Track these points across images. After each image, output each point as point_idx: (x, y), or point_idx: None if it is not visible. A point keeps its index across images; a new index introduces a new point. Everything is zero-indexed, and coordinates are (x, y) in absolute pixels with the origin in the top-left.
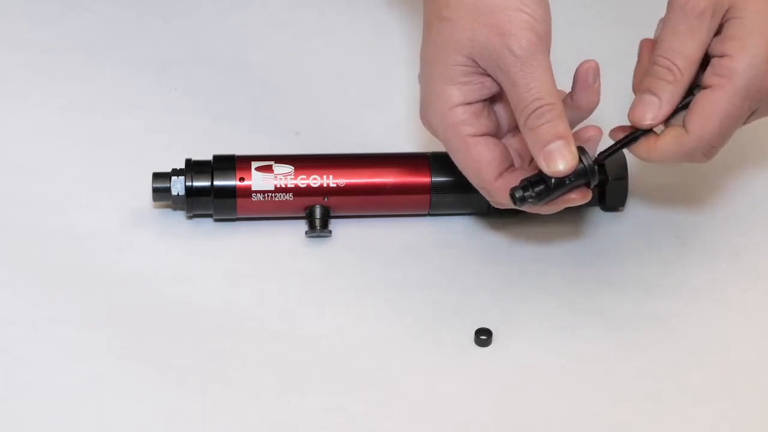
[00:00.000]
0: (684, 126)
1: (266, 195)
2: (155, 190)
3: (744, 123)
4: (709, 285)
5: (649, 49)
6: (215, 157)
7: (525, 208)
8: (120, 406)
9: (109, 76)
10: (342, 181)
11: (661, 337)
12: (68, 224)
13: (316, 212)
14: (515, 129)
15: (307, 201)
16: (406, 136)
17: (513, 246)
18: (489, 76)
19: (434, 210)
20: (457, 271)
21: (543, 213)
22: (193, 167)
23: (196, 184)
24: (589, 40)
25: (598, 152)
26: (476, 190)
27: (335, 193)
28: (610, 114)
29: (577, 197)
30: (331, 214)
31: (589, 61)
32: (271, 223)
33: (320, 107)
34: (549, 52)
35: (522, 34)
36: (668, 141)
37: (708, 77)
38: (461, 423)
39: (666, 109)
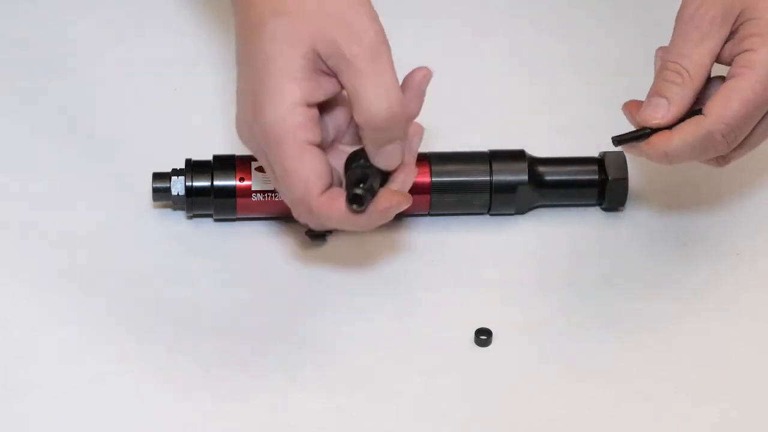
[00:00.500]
0: (704, 113)
1: (266, 195)
2: (155, 190)
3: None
4: (709, 285)
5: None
6: (215, 157)
7: (337, 215)
8: (120, 406)
9: (109, 76)
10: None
11: (661, 337)
12: (68, 224)
13: None
14: (332, 144)
15: None
16: None
17: (513, 246)
18: (329, 75)
19: (434, 210)
20: (457, 271)
21: (361, 228)
22: (193, 167)
23: (196, 184)
24: (589, 40)
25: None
26: (476, 190)
27: None
28: (610, 114)
29: (400, 201)
30: None
31: (423, 68)
32: (271, 223)
33: None
34: (390, 48)
35: (369, 26)
36: (684, 128)
37: (731, 71)
38: (461, 423)
39: (675, 110)
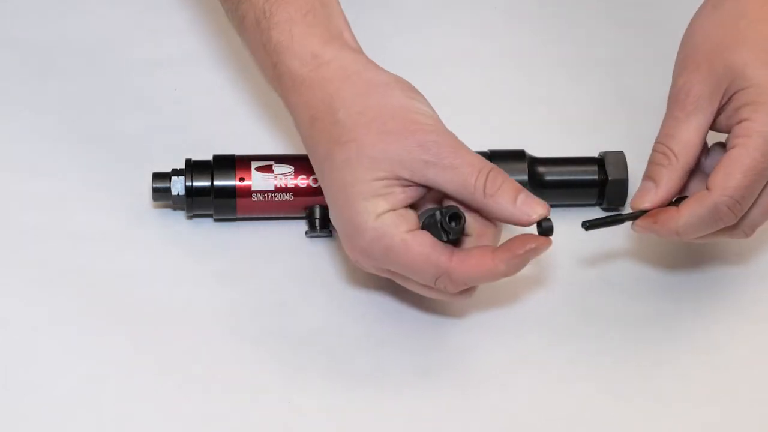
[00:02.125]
0: (707, 188)
1: (266, 195)
2: (155, 190)
3: None
4: (709, 285)
5: None
6: (215, 157)
7: (477, 269)
8: (120, 406)
9: (109, 76)
10: None
11: (661, 337)
12: (68, 224)
13: (316, 212)
14: None
15: (307, 201)
16: None
17: None
18: (411, 185)
19: None
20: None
21: (504, 274)
22: (193, 167)
23: (196, 184)
24: (589, 40)
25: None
26: None
27: None
28: (610, 114)
29: (537, 245)
30: None
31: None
32: (271, 223)
33: None
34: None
35: (433, 127)
36: (690, 204)
37: (729, 142)
38: (461, 423)
39: (662, 192)
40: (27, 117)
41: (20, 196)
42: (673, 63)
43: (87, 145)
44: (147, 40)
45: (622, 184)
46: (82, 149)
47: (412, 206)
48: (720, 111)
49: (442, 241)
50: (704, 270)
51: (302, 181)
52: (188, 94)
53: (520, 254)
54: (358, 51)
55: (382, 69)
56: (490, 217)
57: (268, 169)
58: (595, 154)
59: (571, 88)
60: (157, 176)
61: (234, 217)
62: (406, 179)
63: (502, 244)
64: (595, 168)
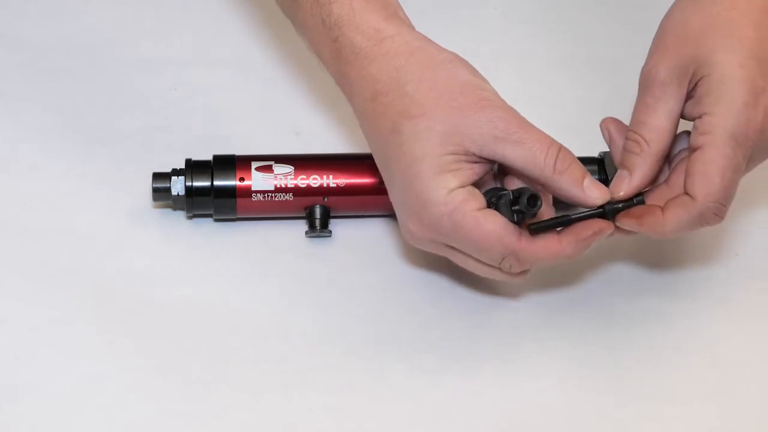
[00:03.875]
0: (687, 193)
1: (266, 195)
2: (155, 190)
3: (744, 172)
4: (709, 285)
5: (613, 125)
6: (215, 157)
7: (545, 250)
8: (120, 406)
9: (109, 76)
10: (342, 181)
11: (661, 336)
12: (68, 224)
13: (316, 212)
14: None
15: (307, 201)
16: None
17: None
18: (479, 161)
19: None
20: (457, 271)
21: (571, 255)
22: (193, 167)
23: (196, 184)
24: (589, 40)
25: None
26: None
27: (335, 193)
28: (610, 114)
29: (602, 227)
30: (331, 214)
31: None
32: (271, 223)
33: (320, 107)
34: None
35: (499, 103)
36: (676, 211)
37: (694, 139)
38: (461, 422)
39: (636, 180)
40: (27, 117)
41: (20, 196)
42: None
43: (87, 145)
44: (147, 40)
45: None
46: (82, 149)
47: (476, 185)
48: (688, 96)
49: (512, 221)
50: (704, 270)
51: (302, 181)
52: (188, 94)
53: (585, 237)
54: (415, 29)
55: (442, 47)
56: (554, 194)
57: (268, 169)
58: (595, 154)
59: (571, 88)
60: (157, 176)
61: (234, 217)
62: (475, 155)
63: (568, 228)
64: (595, 168)
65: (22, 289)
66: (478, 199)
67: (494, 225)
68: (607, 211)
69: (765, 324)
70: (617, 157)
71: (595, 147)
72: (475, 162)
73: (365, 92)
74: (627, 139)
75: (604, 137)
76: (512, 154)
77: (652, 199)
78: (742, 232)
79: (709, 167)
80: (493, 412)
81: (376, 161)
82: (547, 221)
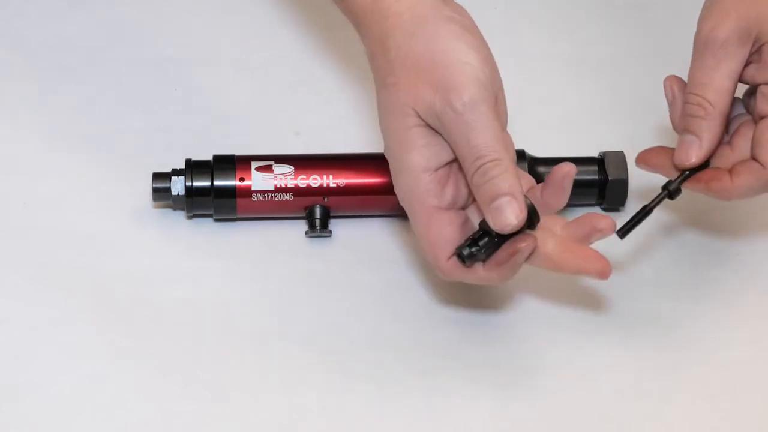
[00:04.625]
0: (756, 159)
1: (266, 195)
2: (155, 190)
3: None
4: (709, 285)
5: (677, 84)
6: (215, 157)
7: (470, 276)
8: (120, 406)
9: (109, 76)
10: (342, 181)
11: (661, 337)
12: (68, 224)
13: (316, 212)
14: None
15: (307, 201)
16: None
17: None
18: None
19: None
20: None
21: (497, 281)
22: (193, 167)
23: (196, 184)
24: (589, 40)
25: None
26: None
27: (335, 193)
28: (610, 114)
29: (525, 245)
30: (331, 214)
31: (566, 165)
32: (271, 223)
33: (320, 107)
34: (494, 104)
35: (463, 88)
36: (747, 178)
37: (762, 106)
38: (461, 422)
39: (706, 145)
40: (27, 117)
41: (20, 196)
42: (673, 63)
43: (87, 145)
44: (147, 40)
45: (622, 184)
46: (82, 149)
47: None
48: (749, 61)
49: (463, 252)
50: (704, 270)
51: (302, 181)
52: (188, 94)
53: (503, 261)
54: None
55: (439, 2)
56: None
57: (268, 169)
58: (595, 154)
59: (571, 88)
60: (157, 176)
61: (234, 217)
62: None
63: (493, 256)
64: (595, 168)
65: (22, 289)
66: (440, 195)
67: (438, 235)
68: (673, 191)
69: (765, 325)
70: (676, 119)
71: (596, 147)
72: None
73: (367, 51)
74: (688, 102)
75: (666, 96)
76: (454, 146)
77: (715, 162)
78: (743, 232)
79: None
80: (493, 412)
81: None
82: (631, 221)
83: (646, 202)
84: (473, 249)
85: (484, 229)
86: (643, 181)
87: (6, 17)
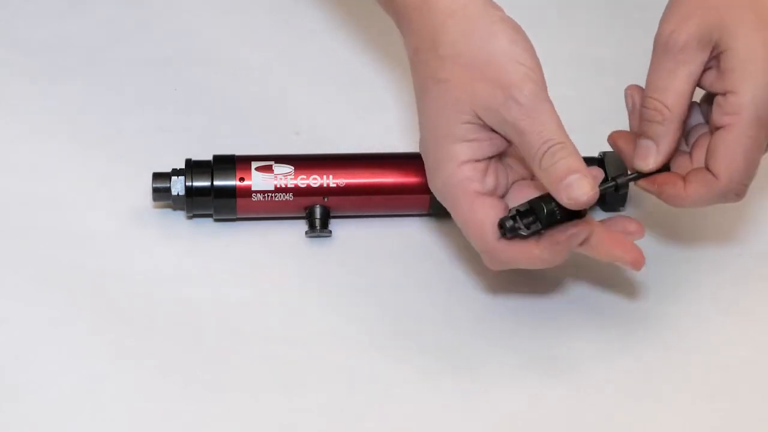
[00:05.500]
0: (709, 170)
1: (266, 195)
2: (155, 190)
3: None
4: (709, 285)
5: (638, 94)
6: (215, 157)
7: (521, 255)
8: (120, 406)
9: (109, 76)
10: (342, 181)
11: (661, 337)
12: (68, 224)
13: (316, 212)
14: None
15: (307, 201)
16: (405, 136)
17: None
18: (496, 132)
19: (434, 210)
20: (457, 271)
21: (548, 262)
22: (193, 167)
23: (196, 184)
24: (589, 40)
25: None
26: None
27: (335, 193)
28: (610, 114)
29: (582, 228)
30: (331, 214)
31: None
32: (271, 223)
33: (320, 107)
34: (550, 99)
35: (523, 84)
36: (698, 187)
37: (718, 117)
38: (461, 423)
39: (663, 150)
40: (27, 117)
41: (20, 196)
42: None
43: (87, 145)
44: (147, 40)
45: (622, 184)
46: (82, 149)
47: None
48: (707, 66)
49: (505, 224)
50: (703, 270)
51: (302, 181)
52: (188, 94)
53: (560, 241)
54: None
55: (490, 3)
56: None
57: (268, 169)
58: (595, 154)
59: (571, 88)
60: (157, 176)
61: (234, 217)
62: (486, 124)
63: (548, 233)
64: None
65: (22, 289)
66: (482, 181)
67: (484, 217)
68: (620, 184)
69: (766, 325)
70: (635, 123)
71: (595, 147)
72: (493, 131)
73: (410, 45)
74: (645, 107)
75: (626, 105)
76: (514, 141)
77: (672, 168)
78: (743, 233)
79: (733, 148)
80: (493, 412)
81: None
82: (609, 181)
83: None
84: (516, 224)
85: (533, 207)
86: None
87: (6, 17)
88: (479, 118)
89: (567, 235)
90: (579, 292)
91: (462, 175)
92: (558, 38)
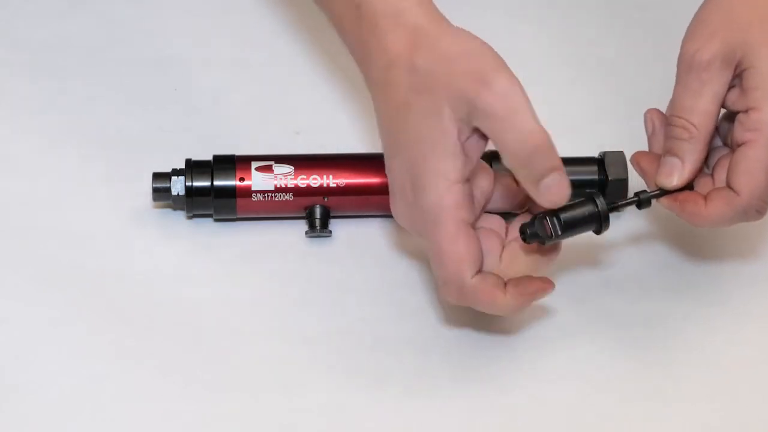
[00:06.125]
0: (730, 187)
1: (266, 195)
2: (155, 190)
3: None
4: (709, 285)
5: (658, 118)
6: (215, 157)
7: (488, 299)
8: (120, 406)
9: (109, 76)
10: (342, 181)
11: (661, 337)
12: (68, 224)
13: (316, 212)
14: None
15: (307, 201)
16: None
17: None
18: (475, 133)
19: None
20: None
21: (513, 310)
22: (193, 167)
23: (196, 184)
24: (589, 40)
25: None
26: None
27: (335, 193)
28: (610, 114)
29: (549, 287)
30: (331, 214)
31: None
32: (271, 223)
33: (320, 107)
34: (524, 90)
35: (499, 73)
36: (719, 205)
37: (739, 134)
38: (461, 423)
39: (689, 168)
40: (27, 117)
41: (20, 196)
42: (673, 63)
43: (87, 145)
44: (147, 40)
45: (623, 184)
46: (82, 149)
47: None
48: (731, 85)
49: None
50: (703, 270)
51: (302, 181)
52: (188, 94)
53: (529, 292)
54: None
55: (459, 31)
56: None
57: (268, 169)
58: (595, 154)
59: (571, 88)
60: (157, 176)
61: (234, 217)
62: (466, 125)
63: (519, 282)
64: (595, 168)
65: (22, 289)
66: (470, 209)
67: (465, 251)
68: (643, 200)
69: (766, 325)
70: (656, 146)
71: (596, 147)
72: (473, 136)
73: (380, 61)
74: (671, 125)
75: (646, 129)
76: (488, 132)
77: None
78: (743, 233)
79: (755, 165)
80: (494, 412)
81: (381, 132)
82: (628, 199)
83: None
84: (539, 229)
85: (546, 215)
86: (642, 181)
87: (6, 17)
88: (460, 121)
89: (535, 287)
90: (579, 292)
91: (452, 200)
92: (558, 38)
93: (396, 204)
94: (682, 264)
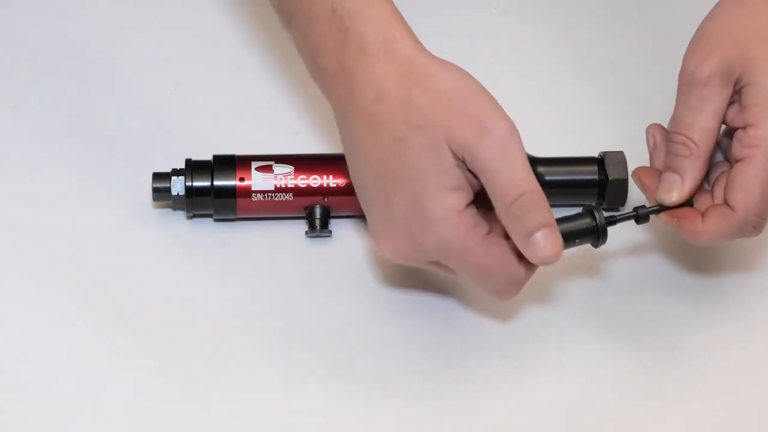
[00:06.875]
0: (727, 203)
1: (266, 195)
2: (155, 190)
3: None
4: (709, 285)
5: (660, 133)
6: (215, 157)
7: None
8: (119, 406)
9: (109, 76)
10: (342, 181)
11: (661, 337)
12: (68, 224)
13: (316, 212)
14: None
15: (307, 201)
16: None
17: None
18: (469, 171)
19: None
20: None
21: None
22: (193, 167)
23: (196, 184)
24: (589, 40)
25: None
26: None
27: (335, 193)
28: (610, 114)
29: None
30: (331, 214)
31: None
32: (271, 223)
33: (320, 107)
34: (521, 140)
35: (498, 122)
36: (715, 222)
37: (737, 150)
38: (460, 423)
39: (688, 184)
40: (27, 117)
41: (20, 196)
42: (673, 63)
43: (87, 145)
44: (147, 40)
45: (623, 184)
46: (82, 149)
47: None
48: (730, 101)
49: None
50: (703, 270)
51: (302, 181)
52: (188, 94)
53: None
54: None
55: (448, 64)
56: None
57: (268, 169)
58: (595, 154)
59: (571, 88)
60: (157, 176)
61: (234, 217)
62: (466, 166)
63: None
64: (595, 168)
65: (22, 289)
66: (482, 223)
67: (502, 252)
68: (641, 215)
69: (765, 325)
70: (657, 162)
71: (596, 147)
72: (468, 170)
73: (369, 92)
74: (672, 141)
75: (648, 144)
76: (482, 180)
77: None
78: (744, 239)
79: (751, 181)
80: (493, 412)
81: (366, 169)
82: (627, 214)
83: (616, 214)
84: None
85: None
86: None
87: (6, 17)
88: (457, 157)
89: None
90: (579, 292)
91: (467, 225)
92: (558, 38)
93: (396, 242)
94: (681, 264)
